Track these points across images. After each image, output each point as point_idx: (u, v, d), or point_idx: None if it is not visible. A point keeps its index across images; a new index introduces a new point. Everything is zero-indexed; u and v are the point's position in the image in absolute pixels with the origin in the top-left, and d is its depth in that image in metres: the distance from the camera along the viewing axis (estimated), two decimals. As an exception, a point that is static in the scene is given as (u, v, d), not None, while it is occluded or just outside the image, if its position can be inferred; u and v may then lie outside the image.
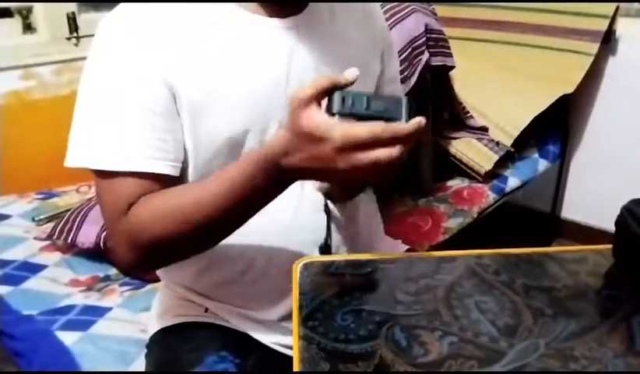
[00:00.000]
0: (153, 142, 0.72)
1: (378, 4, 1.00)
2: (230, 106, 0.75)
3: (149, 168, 0.71)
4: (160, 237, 0.70)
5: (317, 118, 0.59)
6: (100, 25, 0.74)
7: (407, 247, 1.10)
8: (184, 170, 0.77)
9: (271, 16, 0.78)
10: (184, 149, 0.76)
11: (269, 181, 0.65)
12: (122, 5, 0.74)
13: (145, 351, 0.92)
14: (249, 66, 0.76)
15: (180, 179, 0.76)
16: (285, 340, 0.86)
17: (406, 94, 1.39)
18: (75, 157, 0.73)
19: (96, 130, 0.72)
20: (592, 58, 1.88)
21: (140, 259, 0.74)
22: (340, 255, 0.88)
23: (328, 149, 0.58)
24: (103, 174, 0.72)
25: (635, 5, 1.91)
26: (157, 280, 0.97)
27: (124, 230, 0.72)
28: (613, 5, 1.88)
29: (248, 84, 0.76)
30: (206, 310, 0.88)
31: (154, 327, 0.92)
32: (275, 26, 0.78)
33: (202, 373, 0.79)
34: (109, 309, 1.16)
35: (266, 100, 0.77)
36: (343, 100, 0.60)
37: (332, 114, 0.60)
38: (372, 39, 0.91)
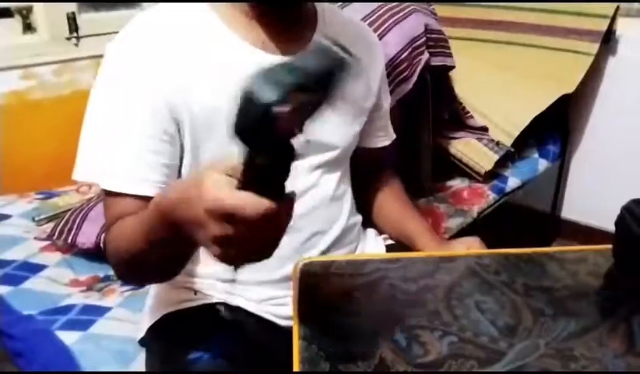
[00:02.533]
0: (146, 166, 0.75)
1: (374, 34, 1.02)
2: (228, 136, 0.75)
3: (141, 191, 0.75)
4: (121, 260, 0.75)
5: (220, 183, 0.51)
6: (107, 47, 0.77)
7: (391, 242, 1.07)
8: None
9: (273, 53, 0.79)
10: (178, 172, 0.79)
11: (166, 230, 0.61)
12: (128, 28, 0.77)
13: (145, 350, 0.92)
14: None
15: None
16: (279, 311, 0.85)
17: (406, 94, 1.39)
18: (80, 171, 0.78)
19: (99, 151, 0.77)
20: (592, 58, 1.88)
21: (117, 272, 0.81)
22: (340, 256, 0.88)
23: (200, 210, 0.51)
24: (105, 190, 0.78)
25: (635, 5, 1.91)
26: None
27: (107, 245, 0.78)
28: (613, 5, 1.88)
29: None
30: (195, 293, 0.88)
31: (146, 324, 0.92)
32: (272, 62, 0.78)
33: (203, 373, 0.79)
34: (109, 309, 1.16)
35: None
36: (275, 82, 0.46)
37: (269, 105, 0.46)
38: (372, 78, 0.94)
